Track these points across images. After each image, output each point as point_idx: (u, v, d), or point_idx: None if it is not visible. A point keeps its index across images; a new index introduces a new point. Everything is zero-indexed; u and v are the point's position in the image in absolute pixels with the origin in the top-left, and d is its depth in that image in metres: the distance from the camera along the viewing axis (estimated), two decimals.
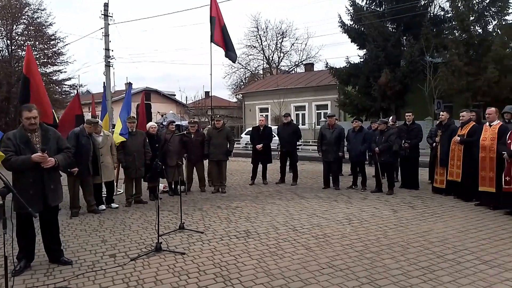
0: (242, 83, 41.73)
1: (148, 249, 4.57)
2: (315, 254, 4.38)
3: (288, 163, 9.61)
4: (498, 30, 14.90)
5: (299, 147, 18.80)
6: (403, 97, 17.70)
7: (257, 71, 42.09)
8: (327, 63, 20.30)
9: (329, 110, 23.43)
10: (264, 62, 40.98)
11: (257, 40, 39.85)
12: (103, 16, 15.97)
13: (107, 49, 16.21)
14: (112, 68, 16.28)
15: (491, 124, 6.64)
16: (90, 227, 5.65)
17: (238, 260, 4.24)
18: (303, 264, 4.07)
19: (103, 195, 7.08)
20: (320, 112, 25.49)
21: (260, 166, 9.42)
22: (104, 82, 8.28)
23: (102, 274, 3.89)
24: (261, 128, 9.22)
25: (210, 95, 19.09)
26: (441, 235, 5.01)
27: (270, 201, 7.38)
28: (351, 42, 19.68)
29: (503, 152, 6.05)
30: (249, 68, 41.54)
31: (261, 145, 9.00)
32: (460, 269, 3.89)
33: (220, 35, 10.47)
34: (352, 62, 19.58)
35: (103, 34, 16.18)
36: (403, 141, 8.16)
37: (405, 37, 18.01)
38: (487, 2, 15.09)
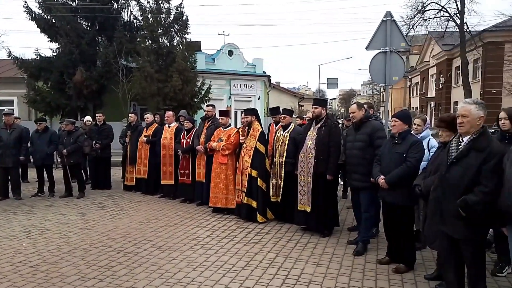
0: None
1: None
2: None
3: None
4: (181, 45, 17.45)
5: None
6: (100, 97, 17.56)
7: None
8: (9, 51, 17.15)
9: (16, 107, 20.03)
10: None
11: None
12: None
13: None
14: None
15: (170, 125, 7.64)
16: None
17: None
18: None
19: None
20: (4, 109, 21.30)
21: None
22: None
23: None
24: None
25: None
26: (125, 231, 5.29)
27: None
28: (41, 32, 17.57)
29: (178, 150, 7.10)
30: None
31: None
32: (137, 259, 4.22)
33: None
34: (43, 55, 17.49)
35: None
36: (93, 142, 8.06)
37: (100, 38, 17.90)
38: (171, 19, 17.32)
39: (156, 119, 8.33)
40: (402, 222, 3.95)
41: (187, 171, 7.03)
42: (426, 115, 7.08)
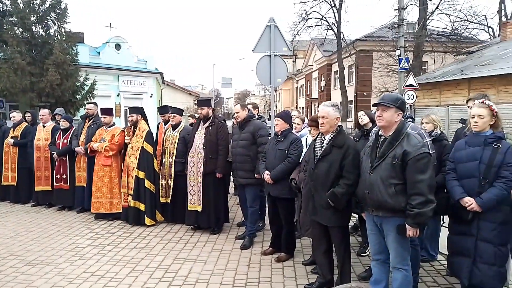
0: None
1: None
2: None
3: None
4: (59, 36, 15.70)
5: None
6: None
7: None
8: None
9: None
10: None
11: None
12: None
13: None
14: None
15: (45, 125, 6.85)
16: None
17: None
18: None
19: None
20: None
21: None
22: None
23: None
24: None
25: None
26: None
27: None
28: None
29: (53, 152, 6.40)
30: None
31: None
32: (1, 278, 3.69)
33: None
34: None
35: None
36: None
37: None
38: (47, 6, 15.45)
39: (26, 117, 7.39)
40: (284, 214, 4.25)
41: (64, 176, 6.39)
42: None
